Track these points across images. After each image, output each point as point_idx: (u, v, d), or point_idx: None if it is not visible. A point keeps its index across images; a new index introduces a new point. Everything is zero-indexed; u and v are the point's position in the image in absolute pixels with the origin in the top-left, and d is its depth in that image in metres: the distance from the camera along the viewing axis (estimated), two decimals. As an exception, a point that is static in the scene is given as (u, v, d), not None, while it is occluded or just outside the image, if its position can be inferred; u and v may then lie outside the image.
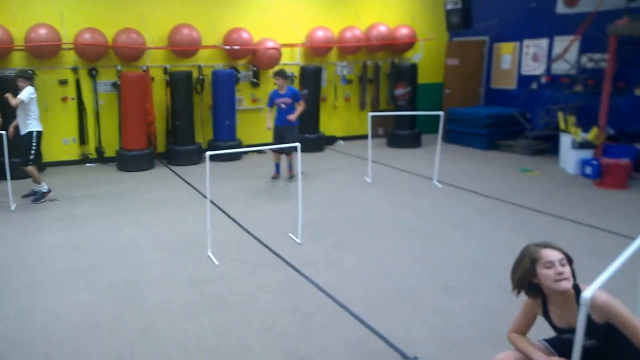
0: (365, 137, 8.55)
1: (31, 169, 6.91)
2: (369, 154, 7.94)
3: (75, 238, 5.67)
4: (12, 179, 6.77)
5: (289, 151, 7.68)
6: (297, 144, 5.49)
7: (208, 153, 4.85)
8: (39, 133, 6.93)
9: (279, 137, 7.68)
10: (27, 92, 6.69)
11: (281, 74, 7.58)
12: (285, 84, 7.66)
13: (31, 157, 6.87)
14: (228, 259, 4.95)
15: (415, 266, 4.79)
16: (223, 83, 9.41)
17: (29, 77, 6.90)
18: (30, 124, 6.83)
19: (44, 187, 7.01)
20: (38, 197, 6.97)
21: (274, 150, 7.90)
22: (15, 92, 6.72)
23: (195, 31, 9.27)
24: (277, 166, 8.00)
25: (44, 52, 8.42)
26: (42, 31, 8.31)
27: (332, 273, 4.66)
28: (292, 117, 7.55)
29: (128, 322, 3.86)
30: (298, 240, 5.37)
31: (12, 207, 6.73)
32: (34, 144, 6.87)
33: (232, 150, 5.96)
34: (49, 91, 8.68)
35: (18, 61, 8.51)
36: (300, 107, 7.70)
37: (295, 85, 10.50)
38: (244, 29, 9.72)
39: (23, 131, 6.86)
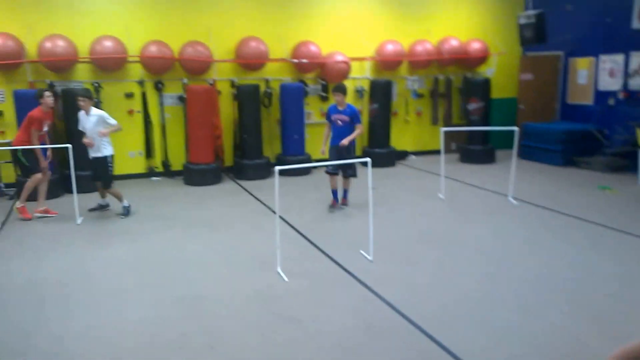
0: (437, 152, 8.24)
1: (114, 190, 6.80)
2: (442, 169, 7.57)
3: (141, 252, 5.56)
4: (78, 192, 6.60)
5: (347, 175, 6.84)
6: (368, 159, 5.15)
7: (277, 168, 4.69)
8: (113, 156, 6.76)
9: (334, 159, 6.68)
10: (103, 114, 6.55)
11: (341, 89, 6.73)
12: (345, 100, 6.76)
13: (111, 178, 6.75)
14: (298, 276, 4.77)
15: (488, 284, 4.56)
16: (291, 97, 9.05)
17: (90, 97, 6.61)
18: (106, 146, 6.60)
19: (125, 203, 6.79)
20: (125, 212, 6.75)
21: (330, 173, 6.87)
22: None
23: (263, 44, 8.98)
24: (335, 193, 6.96)
25: (110, 64, 8.29)
26: (108, 43, 8.18)
27: (404, 291, 4.46)
28: (345, 141, 6.56)
29: (195, 339, 3.72)
30: (369, 257, 5.13)
31: (79, 221, 6.50)
32: (110, 165, 6.69)
33: (302, 165, 5.56)
34: (114, 104, 8.52)
35: (82, 73, 8.41)
36: (356, 131, 6.70)
37: (365, 100, 10.09)
38: (313, 42, 9.38)
39: (95, 153, 6.60)
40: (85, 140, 6.54)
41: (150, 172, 9.04)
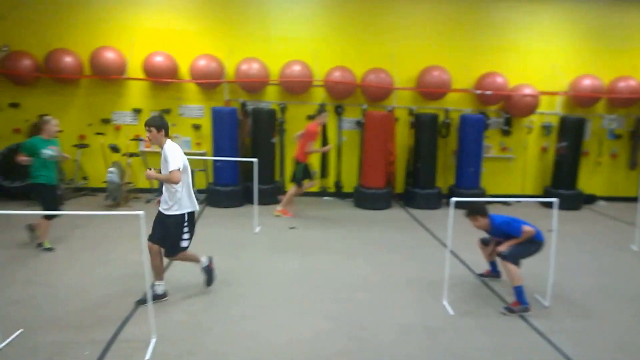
0: (632, 199, 7.56)
1: (182, 256, 4.53)
2: (639, 219, 6.58)
3: (309, 266, 5.64)
4: (259, 204, 6.90)
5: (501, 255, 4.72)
6: (554, 199, 4.69)
7: (454, 199, 4.44)
8: (193, 214, 4.47)
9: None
10: (176, 154, 4.23)
11: (467, 212, 4.79)
12: (476, 221, 4.80)
13: (183, 243, 4.41)
14: (463, 311, 4.54)
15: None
16: (471, 128, 8.62)
17: (160, 126, 4.29)
18: (182, 201, 4.31)
19: (204, 262, 4.75)
20: (208, 280, 4.79)
21: (483, 242, 5.29)
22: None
23: (446, 73, 8.73)
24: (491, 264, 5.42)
25: (296, 87, 8.70)
26: (296, 67, 8.60)
27: (581, 345, 3.99)
28: (502, 248, 4.62)
29: (354, 356, 3.72)
30: (545, 303, 4.72)
31: (257, 230, 6.76)
32: (186, 225, 4.39)
33: (477, 199, 5.05)
34: (296, 124, 8.89)
35: (271, 94, 8.94)
36: (520, 237, 4.62)
37: (552, 137, 9.24)
38: (499, 74, 8.87)
39: (166, 210, 4.33)
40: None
41: (322, 192, 9.23)
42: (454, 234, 4.55)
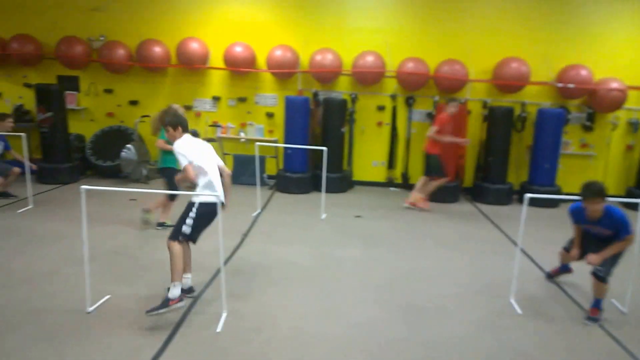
0: None
1: (173, 249, 3.98)
2: None
3: (372, 255, 5.71)
4: (326, 192, 7.12)
5: (597, 274, 4.27)
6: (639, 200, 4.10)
7: (528, 195, 4.26)
8: (208, 206, 4.01)
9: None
10: (184, 150, 4.05)
11: (597, 192, 4.17)
12: (599, 204, 4.20)
13: (185, 228, 4.01)
14: (533, 311, 4.42)
15: None
16: (549, 123, 8.26)
17: (176, 124, 4.24)
18: (200, 190, 4.13)
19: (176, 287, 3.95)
20: (156, 307, 3.90)
21: (565, 249, 4.88)
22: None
23: (524, 65, 8.42)
24: (563, 267, 5.12)
25: (368, 78, 8.75)
26: (369, 58, 8.64)
27: None
28: (596, 259, 4.21)
29: (416, 348, 3.72)
30: (624, 309, 4.47)
31: (323, 217, 6.99)
32: (194, 213, 4.04)
33: (553, 196, 4.87)
34: (367, 115, 9.04)
35: (343, 85, 9.07)
36: (619, 244, 4.22)
37: (639, 134, 8.66)
38: (584, 66, 8.42)
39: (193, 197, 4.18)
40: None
41: (389, 183, 9.31)
42: (524, 230, 4.41)
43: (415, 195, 7.75)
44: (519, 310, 4.36)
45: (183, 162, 4.02)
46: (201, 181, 4.10)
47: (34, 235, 5.75)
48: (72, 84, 9.23)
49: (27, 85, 9.17)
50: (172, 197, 6.11)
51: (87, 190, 3.73)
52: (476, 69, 8.69)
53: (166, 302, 3.83)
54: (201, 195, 4.04)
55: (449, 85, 8.64)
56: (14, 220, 6.30)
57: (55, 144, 8.44)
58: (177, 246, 3.96)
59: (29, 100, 9.19)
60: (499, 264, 5.49)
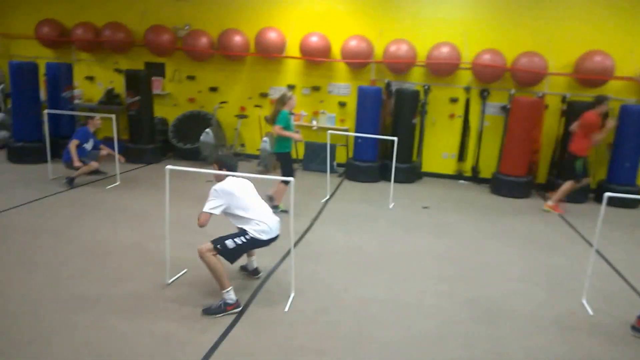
0: None
1: (210, 257, 3.90)
2: None
3: (439, 247, 5.76)
4: (395, 182, 7.34)
5: None
6: None
7: (607, 194, 4.13)
8: (252, 240, 4.01)
9: None
10: (216, 193, 3.97)
11: None
12: None
13: (228, 242, 3.95)
14: (606, 313, 4.33)
15: None
16: (632, 120, 7.89)
17: (222, 164, 4.23)
18: (244, 228, 4.04)
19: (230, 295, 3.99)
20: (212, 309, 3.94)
21: None
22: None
23: (609, 59, 8.06)
24: None
25: (443, 69, 8.69)
26: (444, 49, 8.57)
27: None
28: None
29: (480, 344, 3.73)
30: None
31: (391, 206, 7.13)
32: (243, 237, 4.01)
33: (633, 196, 4.66)
34: (439, 107, 9.00)
35: (416, 76, 9.06)
36: None
37: None
38: (678, 59, 7.97)
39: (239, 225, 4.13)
40: None
41: (458, 175, 9.25)
42: (602, 231, 4.33)
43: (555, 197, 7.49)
44: (590, 311, 4.29)
45: (205, 207, 3.91)
46: (251, 214, 4.02)
47: (119, 209, 6.29)
48: (158, 70, 9.84)
49: (118, 71, 9.88)
50: (285, 181, 6.03)
51: (171, 171, 4.07)
52: (556, 62, 8.40)
53: (224, 307, 3.89)
54: (254, 230, 3.99)
55: (526, 79, 8.41)
56: (102, 195, 6.91)
57: (141, 126, 9.06)
58: (213, 258, 3.88)
59: (119, 85, 9.91)
60: (570, 261, 5.41)
